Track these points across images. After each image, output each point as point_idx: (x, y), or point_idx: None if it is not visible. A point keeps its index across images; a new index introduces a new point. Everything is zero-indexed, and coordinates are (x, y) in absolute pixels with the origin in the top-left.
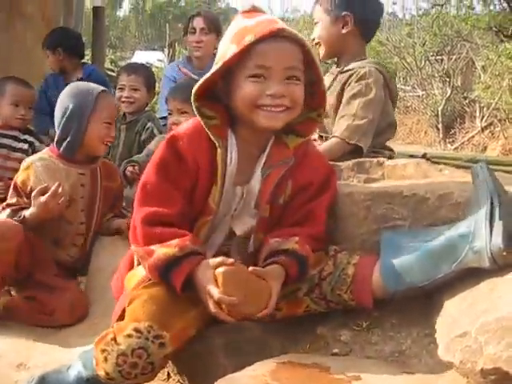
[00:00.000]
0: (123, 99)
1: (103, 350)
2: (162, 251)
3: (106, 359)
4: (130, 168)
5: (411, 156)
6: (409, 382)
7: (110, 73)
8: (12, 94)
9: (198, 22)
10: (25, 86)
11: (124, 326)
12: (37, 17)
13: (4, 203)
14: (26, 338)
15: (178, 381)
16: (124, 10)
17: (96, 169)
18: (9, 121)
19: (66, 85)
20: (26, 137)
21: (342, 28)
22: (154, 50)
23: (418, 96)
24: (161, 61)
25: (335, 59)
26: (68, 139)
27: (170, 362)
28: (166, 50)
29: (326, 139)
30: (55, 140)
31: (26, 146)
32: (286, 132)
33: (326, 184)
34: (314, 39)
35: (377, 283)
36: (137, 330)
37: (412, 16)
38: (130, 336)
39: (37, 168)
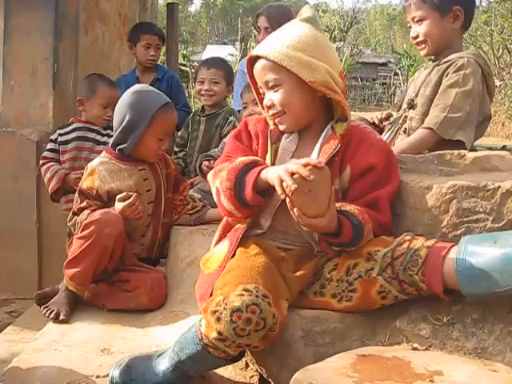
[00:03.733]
0: (203, 92)
1: (214, 311)
2: (238, 160)
3: (218, 319)
4: (205, 162)
5: (489, 149)
6: (493, 381)
7: (182, 67)
8: (103, 96)
9: (262, 22)
10: (114, 87)
11: (231, 289)
12: (114, 15)
13: (75, 209)
14: (109, 324)
15: (256, 370)
16: (195, 5)
17: (157, 162)
18: (96, 120)
19: None
20: (108, 131)
21: (453, 23)
22: (224, 44)
23: (496, 86)
24: (232, 55)
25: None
26: (123, 145)
27: (247, 351)
28: (237, 44)
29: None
30: (111, 142)
31: (108, 140)
32: (337, 120)
33: (389, 170)
34: (416, 37)
35: (450, 276)
36: (246, 290)
37: (489, 3)
38: (241, 295)
39: (100, 172)
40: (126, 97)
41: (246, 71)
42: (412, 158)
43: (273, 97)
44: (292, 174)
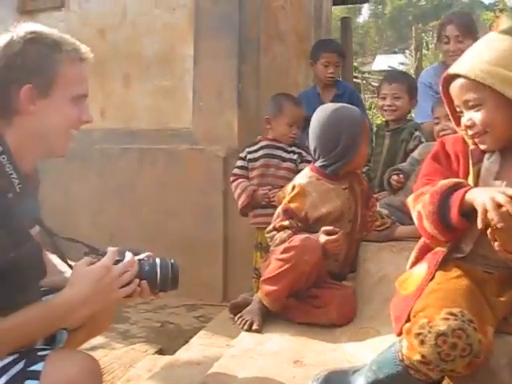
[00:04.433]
0: (385, 108)
1: (418, 334)
2: (441, 183)
3: (422, 342)
4: (395, 177)
5: None
6: None
7: (353, 79)
8: (290, 114)
9: (451, 30)
10: (299, 106)
11: (435, 312)
12: (291, 34)
13: (276, 224)
14: (299, 336)
15: None
16: (363, 16)
17: (352, 179)
18: (281, 138)
19: (321, 101)
20: (294, 148)
21: None
22: (394, 53)
23: None
24: (403, 64)
25: None
26: (338, 163)
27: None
28: (407, 52)
29: None
30: (320, 163)
31: (295, 157)
32: None
33: None
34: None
35: None
36: (451, 314)
37: None
38: (446, 319)
39: (310, 195)
40: (332, 119)
41: (429, 85)
42: None
43: (473, 116)
44: (499, 206)
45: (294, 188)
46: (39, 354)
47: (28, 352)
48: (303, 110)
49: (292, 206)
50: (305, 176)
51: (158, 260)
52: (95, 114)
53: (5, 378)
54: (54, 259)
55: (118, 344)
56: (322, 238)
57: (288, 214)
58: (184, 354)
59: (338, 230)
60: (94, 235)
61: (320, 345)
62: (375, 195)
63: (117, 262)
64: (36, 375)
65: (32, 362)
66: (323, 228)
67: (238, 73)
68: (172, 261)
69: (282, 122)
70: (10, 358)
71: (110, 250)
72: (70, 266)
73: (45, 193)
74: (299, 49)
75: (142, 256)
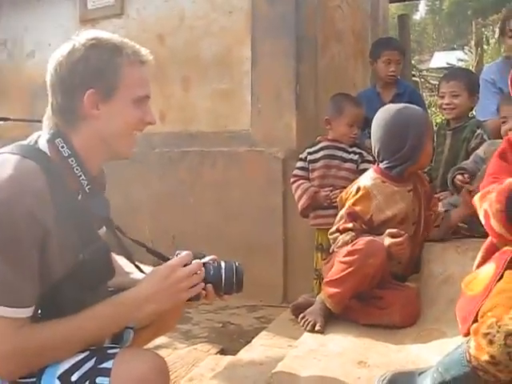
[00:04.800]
0: (444, 106)
1: (486, 334)
2: (508, 181)
3: (491, 342)
4: (459, 177)
5: None
6: None
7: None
8: (350, 115)
9: None
10: (359, 106)
11: (504, 311)
12: (348, 33)
13: (340, 226)
14: (363, 338)
15: None
16: (420, 13)
17: (415, 180)
18: (342, 138)
19: (381, 100)
20: (354, 148)
21: None
22: (453, 49)
23: None
24: (462, 60)
25: None
26: (403, 165)
27: None
28: (466, 48)
29: None
30: (385, 164)
31: (356, 157)
32: None
33: None
34: None
35: None
36: None
37: None
38: None
39: (376, 197)
40: (396, 121)
41: (492, 81)
42: None
43: None
44: None
45: (358, 190)
46: (109, 351)
47: (98, 350)
48: (363, 109)
49: (357, 208)
50: (369, 178)
51: (222, 263)
52: (155, 118)
53: (77, 374)
54: (120, 260)
55: (181, 344)
56: (387, 241)
57: (352, 216)
58: (246, 354)
59: (402, 232)
60: (155, 238)
61: (384, 346)
62: (437, 195)
63: (185, 265)
64: (107, 372)
65: (102, 360)
66: (388, 230)
67: (295, 74)
68: (237, 264)
69: (342, 123)
70: (82, 356)
71: (185, 253)
72: (138, 267)
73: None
74: (356, 48)
75: (206, 259)
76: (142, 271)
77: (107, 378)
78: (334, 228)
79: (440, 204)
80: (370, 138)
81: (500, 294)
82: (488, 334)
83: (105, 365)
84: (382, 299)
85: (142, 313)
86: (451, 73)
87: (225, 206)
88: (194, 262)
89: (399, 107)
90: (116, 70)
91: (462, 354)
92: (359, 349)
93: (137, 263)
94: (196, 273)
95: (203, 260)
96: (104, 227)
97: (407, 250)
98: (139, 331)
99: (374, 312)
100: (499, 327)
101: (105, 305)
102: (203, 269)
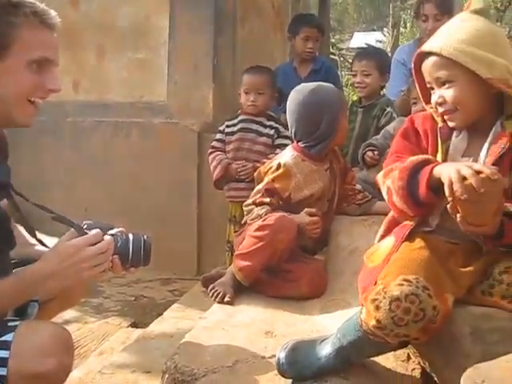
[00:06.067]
0: (356, 84)
1: (374, 300)
2: (410, 159)
3: (377, 307)
4: (369, 153)
5: None
6: None
7: (330, 56)
8: (245, 82)
9: (430, 9)
10: (254, 73)
11: (392, 279)
12: (268, 7)
13: (256, 199)
14: (271, 309)
15: (418, 363)
16: None
17: (331, 158)
18: (244, 108)
19: (298, 76)
20: (271, 123)
21: None
22: (373, 30)
23: None
24: (380, 41)
25: None
26: (321, 144)
27: (410, 344)
28: (385, 29)
29: None
30: (303, 144)
31: (271, 132)
32: (508, 117)
33: None
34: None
35: None
36: (406, 280)
37: None
38: (401, 284)
39: (295, 175)
40: (312, 100)
41: (403, 62)
42: None
43: (445, 93)
44: (464, 179)
45: (279, 167)
46: (9, 324)
47: None
48: (262, 76)
49: (276, 186)
50: (290, 155)
51: (130, 235)
52: (68, 86)
53: None
54: (24, 231)
55: (92, 318)
56: (302, 218)
57: (270, 192)
58: (157, 326)
59: (319, 213)
60: (67, 210)
61: (291, 316)
62: None
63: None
64: (7, 345)
65: (2, 333)
66: (306, 209)
67: (213, 46)
68: (145, 237)
69: (241, 91)
70: None
71: (95, 231)
72: (39, 241)
73: (15, 167)
74: (276, 23)
75: (114, 231)
76: (44, 245)
77: (7, 351)
78: (250, 200)
79: None
80: (285, 112)
81: (393, 263)
82: (375, 300)
83: (5, 337)
84: (291, 272)
85: (44, 288)
86: (363, 52)
87: (139, 177)
88: (105, 239)
89: (312, 87)
90: (9, 28)
91: (356, 319)
92: (267, 319)
93: (39, 236)
94: (103, 252)
95: (111, 232)
96: (4, 200)
97: (319, 231)
98: (44, 305)
99: (282, 285)
100: (385, 293)
101: (6, 279)
102: (112, 246)
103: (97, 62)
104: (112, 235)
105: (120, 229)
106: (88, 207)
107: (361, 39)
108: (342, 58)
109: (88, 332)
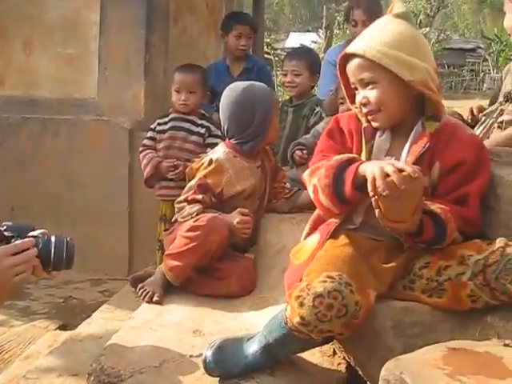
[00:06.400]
0: (286, 84)
1: (298, 296)
2: (335, 158)
3: (301, 304)
4: (298, 152)
5: None
6: None
7: (265, 55)
8: (176, 81)
9: (359, 15)
10: (185, 71)
11: (315, 275)
12: (201, 5)
13: (188, 196)
14: (200, 307)
15: (344, 358)
16: None
17: (263, 156)
18: (175, 106)
19: (230, 74)
20: (203, 122)
21: None
22: (308, 31)
23: None
24: (315, 42)
25: None
26: (253, 141)
27: (335, 340)
28: (320, 31)
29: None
30: (235, 141)
31: (203, 131)
32: (428, 118)
33: (479, 165)
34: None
35: None
36: (329, 277)
37: None
38: (324, 281)
39: (227, 171)
40: (244, 98)
41: (334, 63)
42: (507, 151)
43: (368, 94)
44: (386, 176)
45: (211, 163)
46: None
47: None
48: (193, 75)
49: (208, 181)
50: (222, 151)
51: (53, 237)
52: None
53: None
54: None
55: (18, 321)
56: (235, 217)
57: (203, 188)
58: (85, 328)
59: (251, 214)
60: None
61: (220, 314)
62: None
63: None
64: None
65: None
66: (239, 209)
67: (145, 43)
68: (68, 238)
69: (173, 90)
70: None
71: (20, 241)
72: None
73: None
74: (210, 21)
75: (36, 233)
76: None
77: None
78: (182, 197)
79: None
80: (218, 111)
81: (318, 260)
82: (299, 296)
83: None
84: (221, 270)
85: None
86: (294, 52)
87: (68, 176)
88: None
89: (245, 85)
90: None
91: (281, 316)
92: (196, 318)
93: None
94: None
95: (32, 233)
96: None
97: (250, 231)
98: None
99: (212, 283)
100: (309, 290)
101: None
102: (33, 252)
103: (24, 56)
104: (33, 237)
105: (42, 230)
106: (15, 207)
107: (296, 39)
108: (277, 58)
109: (14, 336)
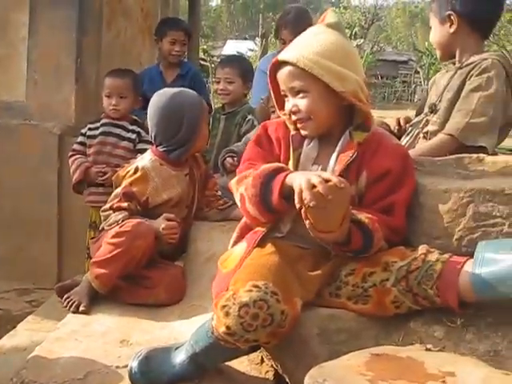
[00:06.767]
0: (219, 92)
1: (224, 306)
2: (263, 167)
3: (227, 314)
4: (229, 160)
5: (510, 150)
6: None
7: (202, 62)
8: (106, 85)
9: (287, 35)
10: (116, 76)
11: (241, 285)
12: (136, 10)
13: (114, 204)
14: (128, 316)
15: (271, 366)
16: (216, 0)
17: (191, 164)
18: (106, 112)
19: (164, 80)
20: (134, 127)
21: (450, 27)
22: (245, 39)
23: None
24: (252, 50)
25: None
26: (181, 149)
27: (262, 348)
28: (257, 39)
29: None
30: (163, 148)
31: (133, 136)
32: (356, 128)
33: (404, 175)
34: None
35: (466, 288)
36: (255, 286)
37: None
38: (250, 290)
39: (153, 179)
40: (175, 105)
41: (264, 69)
42: (430, 161)
43: (298, 102)
44: (313, 187)
45: (136, 171)
46: None
47: None
48: (124, 79)
49: (134, 189)
50: (148, 159)
51: None
52: None
53: None
54: None
55: None
56: (161, 223)
57: (128, 196)
58: (9, 340)
59: (177, 219)
60: None
61: (148, 324)
62: None
63: None
64: None
65: None
66: (165, 214)
67: (77, 46)
68: None
69: (103, 95)
70: None
71: None
72: None
73: None
74: (145, 26)
75: None
76: None
77: None
78: (107, 205)
79: None
80: None
81: (244, 269)
82: (225, 306)
83: None
84: (149, 279)
85: None
86: (226, 60)
87: None
88: None
89: (174, 92)
90: None
91: (208, 325)
92: (123, 328)
93: None
94: None
95: None
96: None
97: (176, 237)
98: None
99: (140, 292)
100: (235, 299)
101: None
102: None
103: None
104: None
105: None
106: None
107: (233, 47)
108: (213, 65)
109: None
